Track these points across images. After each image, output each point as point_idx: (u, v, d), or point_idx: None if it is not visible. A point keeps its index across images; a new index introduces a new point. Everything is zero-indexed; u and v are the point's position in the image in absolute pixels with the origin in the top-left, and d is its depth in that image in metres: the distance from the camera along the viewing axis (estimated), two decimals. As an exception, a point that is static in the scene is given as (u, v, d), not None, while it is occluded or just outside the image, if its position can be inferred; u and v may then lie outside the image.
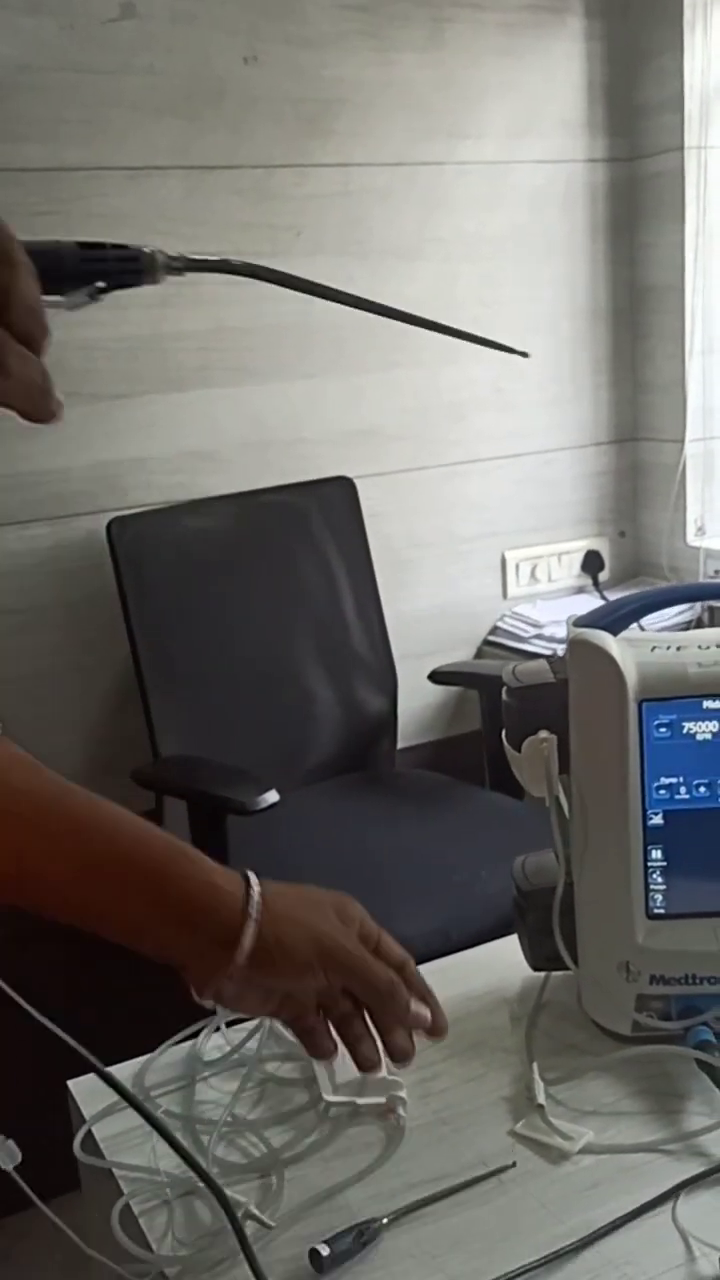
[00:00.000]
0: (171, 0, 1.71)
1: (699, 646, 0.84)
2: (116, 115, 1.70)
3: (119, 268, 0.41)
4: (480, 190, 2.01)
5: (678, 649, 0.84)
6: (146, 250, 0.41)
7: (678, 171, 2.08)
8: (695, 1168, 0.74)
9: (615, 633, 0.85)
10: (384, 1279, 0.67)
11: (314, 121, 1.84)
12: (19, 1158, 0.64)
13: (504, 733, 0.92)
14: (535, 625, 2.08)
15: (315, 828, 1.66)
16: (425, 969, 0.99)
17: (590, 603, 2.18)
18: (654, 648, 0.85)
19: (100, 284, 0.40)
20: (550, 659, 0.91)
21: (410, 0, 1.89)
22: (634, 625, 0.88)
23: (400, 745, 1.98)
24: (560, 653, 0.89)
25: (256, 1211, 0.72)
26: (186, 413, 1.82)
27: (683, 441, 2.15)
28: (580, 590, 2.24)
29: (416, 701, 2.05)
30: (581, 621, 0.87)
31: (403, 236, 1.94)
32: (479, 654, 2.13)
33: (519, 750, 0.89)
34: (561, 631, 2.09)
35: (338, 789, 1.81)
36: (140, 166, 1.72)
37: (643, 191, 2.16)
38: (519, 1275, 0.66)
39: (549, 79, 2.05)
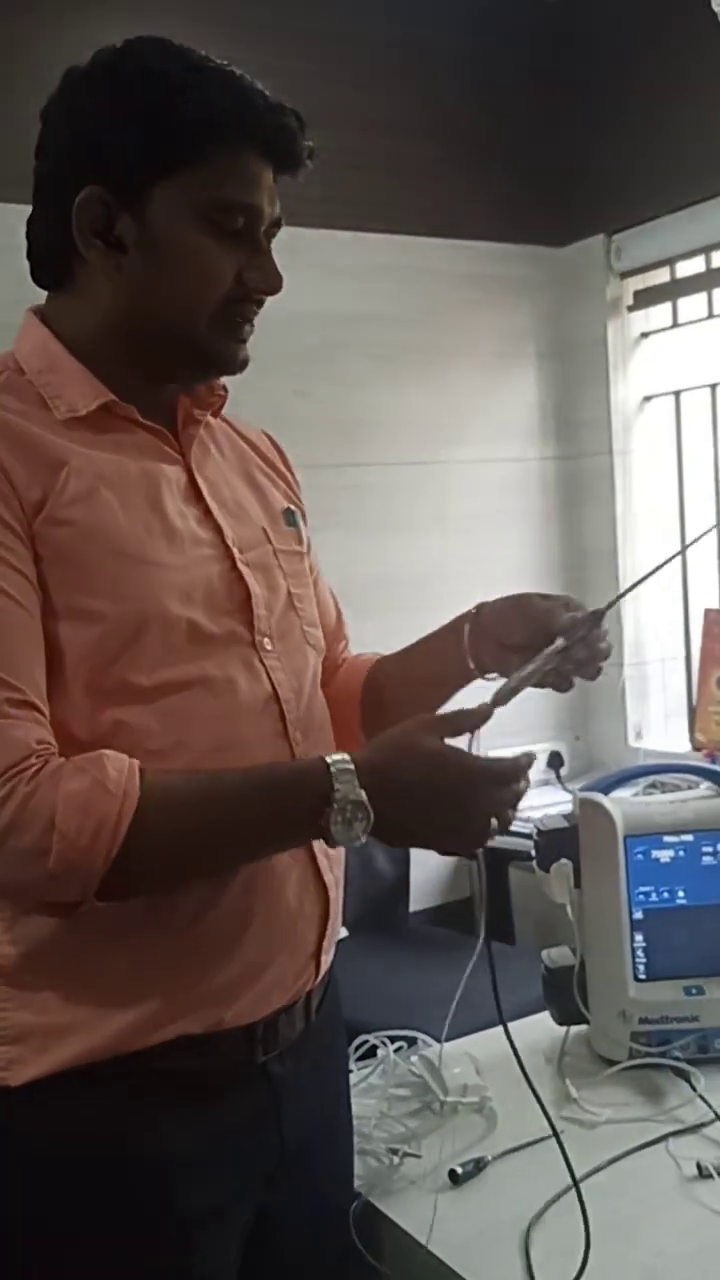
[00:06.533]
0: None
1: (660, 803, 1.37)
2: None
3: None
4: (467, 481, 2.68)
5: (646, 804, 1.37)
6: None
7: (607, 468, 2.78)
8: (676, 1125, 1.19)
9: (607, 794, 1.37)
10: (494, 1188, 1.12)
11: (348, 435, 2.50)
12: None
13: (535, 861, 1.41)
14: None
15: (365, 969, 2.09)
16: (484, 1035, 1.43)
17: (555, 793, 2.70)
18: (632, 804, 1.37)
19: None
20: (565, 815, 1.41)
21: (416, 349, 2.60)
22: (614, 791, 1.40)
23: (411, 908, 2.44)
24: (540, 826, 1.39)
25: (410, 1149, 1.16)
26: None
27: (621, 665, 2.75)
28: (546, 783, 2.77)
29: (419, 871, 2.52)
30: (586, 788, 1.39)
31: (412, 515, 2.59)
32: (470, 834, 2.62)
33: (548, 872, 1.38)
34: (537, 814, 2.58)
35: (368, 939, 2.25)
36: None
37: (582, 482, 2.85)
38: (575, 1185, 1.10)
39: (514, 401, 2.77)
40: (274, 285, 0.93)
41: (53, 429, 0.89)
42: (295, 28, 2.37)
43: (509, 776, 0.90)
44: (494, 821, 0.90)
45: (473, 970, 1.17)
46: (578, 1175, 1.11)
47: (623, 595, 1.05)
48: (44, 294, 0.97)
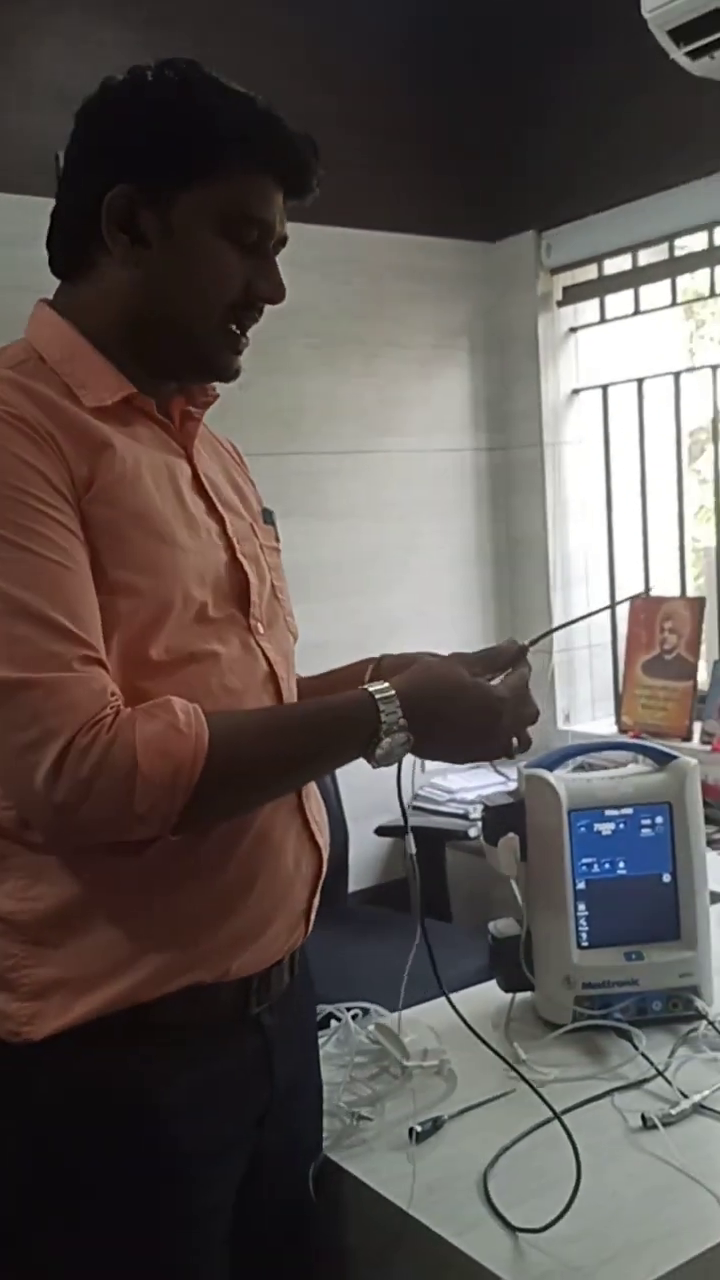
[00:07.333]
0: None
1: (600, 779, 1.43)
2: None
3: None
4: (403, 470, 2.73)
5: (588, 780, 1.43)
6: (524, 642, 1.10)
7: (538, 459, 2.86)
8: (620, 1081, 1.26)
9: (551, 770, 1.43)
10: (450, 1143, 1.17)
11: (287, 424, 2.53)
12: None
13: (482, 836, 1.47)
14: (449, 792, 2.66)
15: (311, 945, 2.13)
16: (431, 1005, 1.49)
17: (484, 775, 2.78)
18: (574, 778, 1.43)
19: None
20: (510, 792, 1.47)
21: (353, 340, 2.64)
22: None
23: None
24: (472, 812, 1.44)
25: (365, 1113, 1.21)
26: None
27: (550, 652, 2.84)
28: (477, 765, 2.84)
29: (356, 853, 2.57)
30: (531, 765, 1.45)
31: (349, 503, 2.63)
32: (406, 815, 2.68)
33: (495, 846, 1.44)
34: (470, 795, 2.67)
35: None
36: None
37: (514, 472, 2.93)
38: (524, 1136, 1.17)
39: (448, 393, 2.83)
40: (280, 294, 1.03)
41: (86, 414, 0.93)
42: (226, 20, 2.38)
43: (524, 692, 1.03)
44: (515, 740, 1.03)
45: (415, 947, 1.24)
46: (530, 1129, 1.18)
47: (535, 641, 1.13)
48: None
